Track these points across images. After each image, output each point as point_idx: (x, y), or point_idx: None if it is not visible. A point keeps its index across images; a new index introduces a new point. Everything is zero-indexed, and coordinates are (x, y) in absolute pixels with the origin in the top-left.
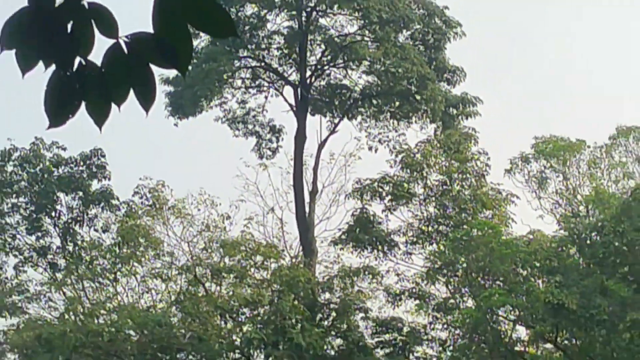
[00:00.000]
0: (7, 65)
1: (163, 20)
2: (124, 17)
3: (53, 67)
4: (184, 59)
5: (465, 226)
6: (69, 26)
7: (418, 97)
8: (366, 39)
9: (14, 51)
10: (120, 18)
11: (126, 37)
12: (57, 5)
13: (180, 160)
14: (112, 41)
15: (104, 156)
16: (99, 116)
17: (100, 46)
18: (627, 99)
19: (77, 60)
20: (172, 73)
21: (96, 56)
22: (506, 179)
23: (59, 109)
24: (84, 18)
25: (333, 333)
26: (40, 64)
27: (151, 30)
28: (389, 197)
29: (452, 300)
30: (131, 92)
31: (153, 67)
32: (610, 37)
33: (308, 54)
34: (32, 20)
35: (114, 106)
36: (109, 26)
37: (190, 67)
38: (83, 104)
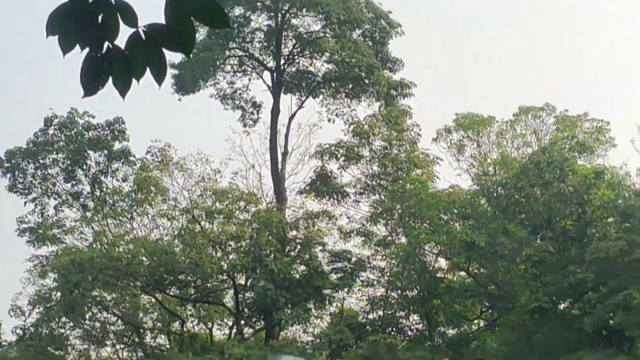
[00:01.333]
0: (51, 48)
1: (173, 14)
2: (141, 11)
3: (87, 49)
4: (189, 44)
5: (400, 181)
6: (100, 17)
7: (367, 81)
8: (327, 35)
9: (57, 37)
10: (139, 12)
11: (144, 26)
12: (90, 1)
13: (182, 126)
14: (133, 30)
15: (124, 123)
16: (123, 88)
17: (124, 34)
18: (528, 82)
19: (106, 44)
20: (177, 59)
21: (120, 41)
22: (433, 146)
23: (91, 82)
24: (111, 11)
25: (298, 261)
26: (77, 47)
27: (163, 22)
28: (343, 158)
29: (389, 238)
30: (147, 70)
31: (165, 51)
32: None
33: (282, 46)
34: (71, 13)
35: (134, 81)
36: (131, 18)
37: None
38: (110, 79)
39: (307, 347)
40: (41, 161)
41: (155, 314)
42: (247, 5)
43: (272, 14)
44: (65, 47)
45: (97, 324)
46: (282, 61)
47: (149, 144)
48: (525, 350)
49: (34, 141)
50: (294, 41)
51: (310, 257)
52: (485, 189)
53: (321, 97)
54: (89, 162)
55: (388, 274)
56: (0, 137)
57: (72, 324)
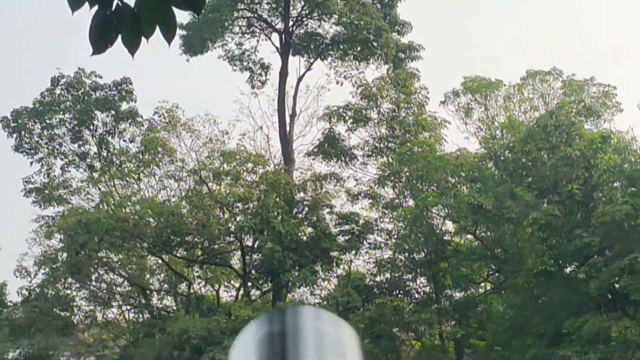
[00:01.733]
0: (60, 6)
1: None
2: None
3: (96, 7)
4: (199, 3)
5: (408, 144)
6: None
7: (375, 44)
8: None
9: None
10: None
11: None
12: None
13: (190, 88)
14: None
15: (131, 83)
16: (132, 47)
17: None
18: (536, 46)
19: (115, 1)
20: (186, 19)
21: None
22: (441, 109)
23: (100, 40)
24: None
25: (306, 223)
26: (86, 4)
27: None
28: (351, 120)
29: (397, 200)
30: (157, 29)
31: (174, 9)
32: None
33: (291, 8)
34: None
35: (143, 40)
36: None
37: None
38: (119, 37)
39: None
40: (48, 121)
41: (162, 275)
42: None
43: None
44: (74, 5)
45: (104, 285)
46: (291, 23)
47: (157, 104)
48: (530, 313)
49: (41, 101)
50: (302, 3)
51: (318, 219)
52: (493, 152)
53: (329, 59)
54: (96, 122)
55: (395, 236)
56: (6, 97)
57: (78, 285)
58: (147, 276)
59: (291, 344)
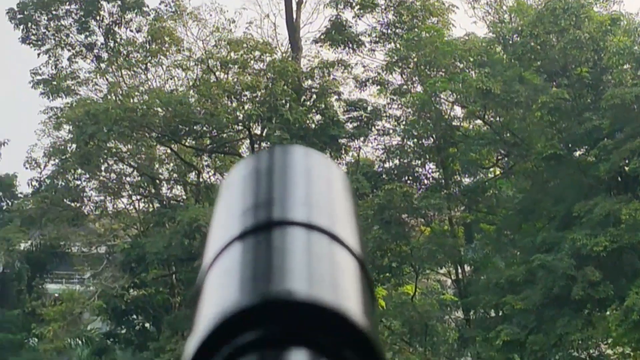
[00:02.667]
0: None
1: None
2: None
3: None
4: None
5: (416, 29)
6: None
7: None
8: None
9: None
10: None
11: None
12: None
13: None
14: None
15: None
16: None
17: None
18: None
19: None
20: None
21: None
22: None
23: None
24: None
25: (314, 111)
26: None
27: None
28: (358, 6)
29: (405, 86)
30: None
31: None
32: None
33: None
34: None
35: None
36: None
37: None
38: None
39: None
40: (54, 12)
41: (171, 165)
42: None
43: None
44: None
45: (113, 176)
46: None
47: None
48: (540, 197)
49: None
50: None
51: (326, 106)
52: (501, 36)
53: None
54: (102, 12)
55: (404, 122)
56: None
57: (87, 176)
58: (157, 166)
59: (278, 180)
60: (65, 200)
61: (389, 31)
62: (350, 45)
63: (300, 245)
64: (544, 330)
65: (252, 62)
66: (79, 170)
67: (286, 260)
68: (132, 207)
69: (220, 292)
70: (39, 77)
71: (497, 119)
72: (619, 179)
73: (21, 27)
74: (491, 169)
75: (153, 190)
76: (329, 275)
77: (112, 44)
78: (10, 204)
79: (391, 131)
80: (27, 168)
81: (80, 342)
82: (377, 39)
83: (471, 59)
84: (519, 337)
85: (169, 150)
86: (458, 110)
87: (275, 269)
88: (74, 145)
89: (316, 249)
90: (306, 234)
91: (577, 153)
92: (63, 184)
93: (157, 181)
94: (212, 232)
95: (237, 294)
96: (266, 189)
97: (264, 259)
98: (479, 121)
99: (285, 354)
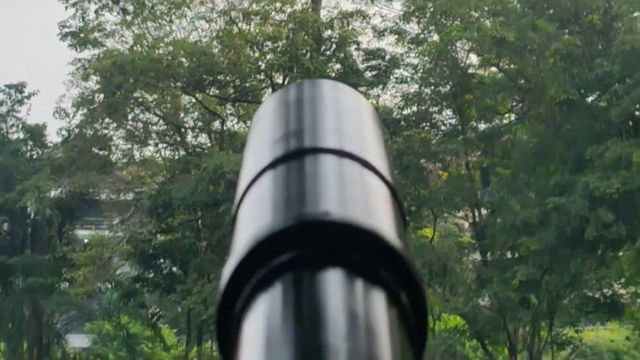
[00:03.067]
0: None
1: None
2: None
3: None
4: None
5: None
6: None
7: None
8: None
9: None
10: None
11: None
12: None
13: None
14: None
15: None
16: None
17: None
18: None
19: None
20: None
21: None
22: None
23: None
24: None
25: (333, 60)
26: None
27: None
28: None
29: (422, 35)
30: None
31: None
32: None
33: None
34: None
35: None
36: None
37: None
38: None
39: None
40: None
41: (196, 113)
42: None
43: None
44: None
45: (140, 125)
46: None
47: None
48: (553, 141)
49: None
50: None
51: (345, 55)
52: None
53: None
54: None
55: (421, 70)
56: None
57: (115, 125)
58: (182, 115)
59: (308, 111)
60: (93, 148)
61: None
62: None
63: (332, 170)
64: (558, 271)
65: (273, 13)
66: (107, 120)
67: (319, 184)
68: (158, 155)
69: (254, 217)
70: (66, 30)
71: (511, 66)
72: (630, 123)
73: None
74: (506, 115)
75: (178, 139)
76: (362, 198)
77: None
78: (40, 152)
79: (409, 79)
80: (56, 118)
81: (109, 285)
82: None
83: (486, 8)
84: (535, 277)
85: (193, 100)
86: (473, 58)
87: (309, 193)
88: (101, 95)
89: (348, 174)
90: (338, 160)
91: (589, 98)
92: (91, 133)
93: (182, 130)
94: (245, 162)
95: (271, 218)
96: (296, 119)
97: (296, 184)
98: (493, 68)
99: (321, 273)
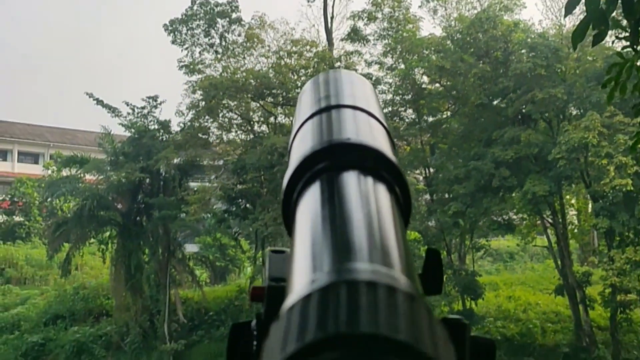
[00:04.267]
0: None
1: None
2: None
3: None
4: None
5: (400, 32)
6: None
7: None
8: None
9: None
10: None
11: None
12: None
13: (268, 3)
14: None
15: (237, 0)
16: None
17: None
18: None
19: None
20: None
21: None
22: (418, 9)
23: None
24: None
25: None
26: None
27: None
28: (367, 18)
29: (394, 64)
30: None
31: None
32: None
33: None
34: None
35: None
36: None
37: None
38: None
39: None
40: (190, 25)
41: (259, 112)
42: None
43: None
44: None
45: (226, 120)
46: None
47: (252, 14)
48: (473, 128)
49: (185, 14)
50: None
51: None
52: (450, 35)
53: None
54: (218, 25)
55: (394, 86)
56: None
57: (211, 120)
58: (251, 114)
59: (333, 85)
60: (199, 134)
61: (384, 33)
62: (362, 41)
63: (349, 117)
64: (476, 206)
65: (305, 52)
66: (207, 117)
67: (341, 123)
68: (238, 137)
69: (303, 143)
70: (182, 63)
71: (448, 83)
72: (519, 117)
73: (171, 34)
74: (445, 112)
75: (249, 128)
76: (369, 132)
77: (224, 44)
78: (167, 137)
79: (386, 91)
80: (176, 116)
81: (208, 215)
82: (377, 38)
83: (432, 49)
84: (462, 210)
85: (258, 105)
86: (425, 79)
87: (334, 127)
88: (203, 102)
89: (359, 119)
90: (352, 111)
91: (495, 102)
92: (197, 124)
93: (252, 122)
94: (296, 117)
95: (312, 143)
96: (325, 89)
97: (327, 124)
98: (437, 84)
99: (345, 174)
